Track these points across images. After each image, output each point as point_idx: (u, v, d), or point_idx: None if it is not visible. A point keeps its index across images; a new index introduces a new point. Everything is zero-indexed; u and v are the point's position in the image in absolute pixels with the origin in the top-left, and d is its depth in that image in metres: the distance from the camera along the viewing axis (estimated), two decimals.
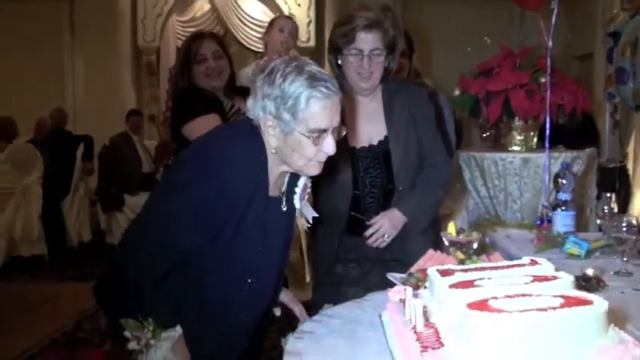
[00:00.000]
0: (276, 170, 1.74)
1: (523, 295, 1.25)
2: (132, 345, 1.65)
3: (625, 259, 2.22)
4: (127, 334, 1.65)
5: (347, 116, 2.38)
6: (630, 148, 7.25)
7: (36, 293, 5.38)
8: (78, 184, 7.29)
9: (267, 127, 1.66)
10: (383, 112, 2.42)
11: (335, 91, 1.65)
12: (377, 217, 2.34)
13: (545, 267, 1.51)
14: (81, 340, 4.29)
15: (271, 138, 1.67)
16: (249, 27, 9.41)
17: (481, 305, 1.21)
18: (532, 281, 1.36)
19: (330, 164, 2.18)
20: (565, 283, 1.34)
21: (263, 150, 1.70)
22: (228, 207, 1.65)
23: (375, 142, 2.40)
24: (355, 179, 2.38)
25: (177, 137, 2.77)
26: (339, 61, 2.38)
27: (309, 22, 9.33)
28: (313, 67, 1.66)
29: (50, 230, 6.78)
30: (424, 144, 2.41)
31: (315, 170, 1.73)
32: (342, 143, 2.24)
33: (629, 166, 6.99)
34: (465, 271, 1.50)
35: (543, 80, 3.05)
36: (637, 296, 1.98)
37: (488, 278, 1.40)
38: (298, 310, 1.99)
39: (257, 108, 1.67)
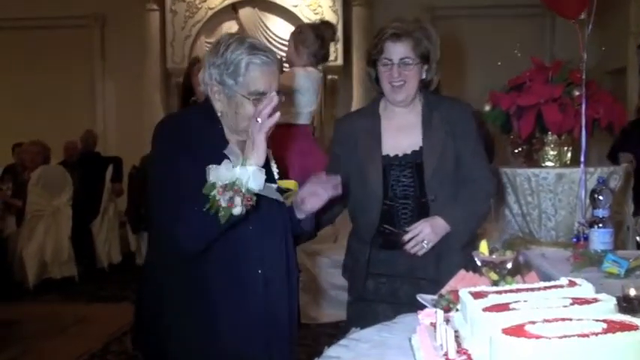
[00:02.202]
0: (232, 139, 1.93)
1: (562, 319, 1.17)
2: (225, 198, 1.69)
3: None
4: (213, 195, 1.69)
5: (383, 125, 2.40)
6: None
7: (66, 315, 5.38)
8: (107, 205, 7.33)
9: (213, 92, 1.89)
10: (421, 123, 2.38)
11: (272, 59, 1.89)
12: (418, 222, 2.27)
13: (584, 288, 1.42)
14: None
15: (217, 103, 1.90)
16: (276, 47, 9.42)
17: (517, 331, 1.13)
18: (571, 304, 1.28)
19: (362, 171, 2.27)
20: (607, 306, 1.26)
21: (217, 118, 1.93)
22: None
23: (409, 152, 2.36)
24: (386, 188, 2.34)
25: None
26: (377, 74, 2.40)
27: (337, 40, 9.31)
28: (254, 40, 1.91)
29: (80, 252, 6.81)
30: (465, 160, 2.36)
31: None
32: (374, 151, 2.31)
33: None
34: (499, 292, 1.43)
35: (577, 93, 2.97)
36: None
37: (524, 301, 1.32)
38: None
39: (205, 77, 1.89)
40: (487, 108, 3.23)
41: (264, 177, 1.77)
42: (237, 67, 1.84)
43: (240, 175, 1.72)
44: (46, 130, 7.92)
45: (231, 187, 1.70)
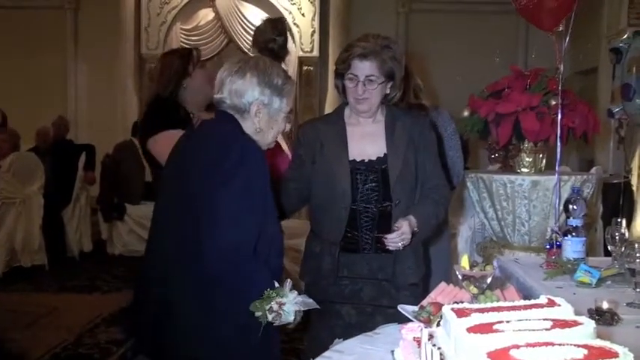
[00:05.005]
0: None
1: (545, 343, 1.21)
2: (270, 318, 1.92)
3: (638, 290, 2.18)
4: (258, 314, 1.92)
5: (348, 132, 2.51)
6: (635, 164, 7.22)
7: (36, 305, 5.33)
8: (79, 193, 7.24)
9: (253, 111, 2.09)
10: (384, 132, 2.51)
11: None
12: (401, 221, 2.34)
13: (564, 309, 1.46)
14: (82, 356, 4.25)
15: (254, 120, 2.10)
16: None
17: (503, 355, 1.17)
18: (552, 326, 1.32)
19: (329, 175, 2.43)
20: (587, 330, 1.30)
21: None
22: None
23: (374, 158, 2.47)
24: (353, 192, 2.43)
25: (144, 150, 2.82)
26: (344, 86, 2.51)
27: (313, 32, 9.33)
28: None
29: (51, 240, 6.73)
30: (426, 170, 2.50)
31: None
32: (342, 155, 2.45)
33: (634, 181, 6.97)
34: (482, 311, 1.46)
35: (554, 103, 3.03)
36: None
37: (507, 321, 1.36)
38: None
39: (247, 97, 2.08)
40: (466, 114, 3.28)
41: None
42: (282, 91, 2.12)
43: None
44: (17, 113, 7.79)
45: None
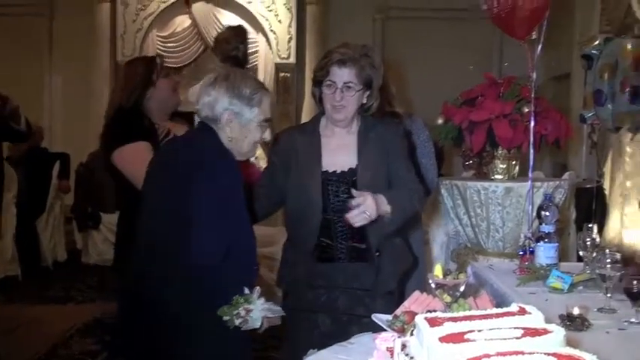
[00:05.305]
0: None
1: (516, 352, 1.22)
2: (237, 322, 2.02)
3: (609, 295, 2.21)
4: (226, 319, 2.02)
5: (323, 143, 2.53)
6: (607, 168, 7.32)
7: (10, 316, 5.25)
8: (53, 202, 7.16)
9: (224, 120, 2.16)
10: (356, 143, 2.52)
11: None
12: (362, 194, 2.33)
13: (534, 317, 1.48)
14: None
15: (227, 129, 2.17)
16: None
17: None
18: (523, 335, 1.33)
19: (301, 185, 2.47)
20: (557, 338, 1.32)
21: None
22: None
23: (345, 169, 2.49)
24: (324, 202, 2.45)
25: (108, 163, 2.76)
26: (321, 94, 2.52)
27: (290, 38, 9.34)
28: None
29: (24, 250, 6.64)
30: (399, 177, 2.52)
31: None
32: (314, 166, 2.47)
33: (606, 185, 7.06)
34: (455, 320, 1.48)
35: (527, 110, 3.07)
36: (623, 337, 1.97)
37: (479, 330, 1.38)
38: None
39: (217, 107, 2.15)
40: (440, 121, 3.31)
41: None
42: (251, 100, 2.18)
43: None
44: None
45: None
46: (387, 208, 2.35)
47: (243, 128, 2.20)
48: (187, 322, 2.07)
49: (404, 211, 2.45)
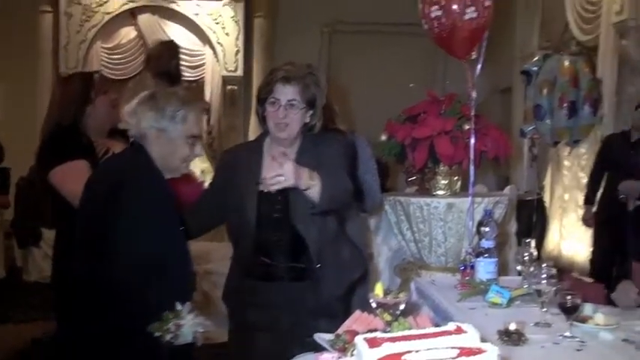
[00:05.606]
0: None
1: None
2: (168, 337, 2.05)
3: (545, 309, 2.28)
4: (157, 334, 2.04)
5: (265, 162, 2.52)
6: (547, 181, 7.56)
7: None
8: None
9: (151, 137, 2.20)
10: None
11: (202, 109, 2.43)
12: (286, 158, 2.34)
13: (470, 335, 1.52)
14: None
15: (154, 146, 2.21)
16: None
17: None
18: (459, 355, 1.37)
19: (239, 204, 2.49)
20: (491, 358, 1.36)
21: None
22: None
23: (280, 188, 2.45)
24: (260, 221, 2.46)
25: (44, 181, 2.70)
26: (264, 113, 2.51)
27: (237, 51, 9.33)
28: (186, 93, 2.33)
29: None
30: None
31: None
32: (251, 185, 2.46)
33: (546, 198, 7.29)
34: (393, 340, 1.50)
35: (467, 127, 3.14)
36: (557, 351, 2.03)
37: (416, 351, 1.40)
38: None
39: (143, 124, 2.20)
40: (383, 137, 3.36)
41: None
42: (174, 117, 2.21)
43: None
44: None
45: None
46: (311, 182, 2.33)
47: (170, 145, 2.23)
48: (118, 340, 2.08)
49: (337, 189, 2.42)
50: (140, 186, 2.15)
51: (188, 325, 2.08)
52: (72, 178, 2.55)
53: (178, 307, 2.10)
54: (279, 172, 2.29)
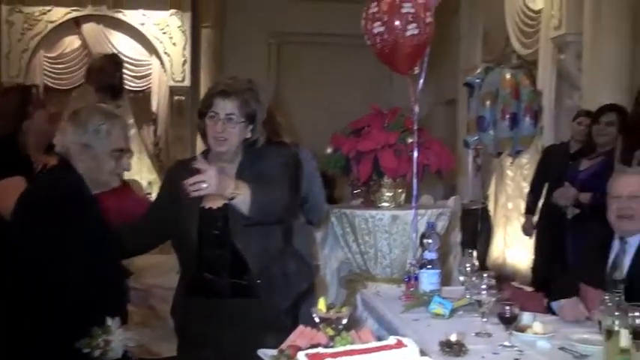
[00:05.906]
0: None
1: None
2: (96, 353, 2.07)
3: (485, 319, 2.34)
4: (86, 350, 2.06)
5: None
6: (491, 191, 7.74)
7: None
8: None
9: (75, 153, 2.24)
10: (234, 178, 2.47)
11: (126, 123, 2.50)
12: (210, 165, 2.32)
13: (410, 349, 1.56)
14: None
15: (80, 162, 2.24)
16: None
17: None
18: None
19: (181, 221, 2.49)
20: None
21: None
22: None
23: (221, 205, 2.45)
24: (201, 238, 2.46)
25: None
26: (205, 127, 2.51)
27: (185, 61, 9.27)
28: (108, 107, 2.44)
29: None
30: None
31: None
32: (193, 203, 2.44)
33: (490, 207, 7.45)
34: (334, 356, 1.53)
35: (410, 141, 3.19)
36: None
37: None
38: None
39: (67, 141, 2.24)
40: (329, 150, 3.39)
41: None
42: (98, 132, 2.25)
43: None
44: None
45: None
46: (236, 192, 2.30)
47: (94, 159, 2.26)
48: (47, 357, 2.10)
49: (264, 205, 2.36)
50: (67, 205, 2.17)
51: (117, 340, 2.11)
52: (6, 195, 2.50)
53: (109, 322, 2.11)
54: (202, 178, 2.27)
